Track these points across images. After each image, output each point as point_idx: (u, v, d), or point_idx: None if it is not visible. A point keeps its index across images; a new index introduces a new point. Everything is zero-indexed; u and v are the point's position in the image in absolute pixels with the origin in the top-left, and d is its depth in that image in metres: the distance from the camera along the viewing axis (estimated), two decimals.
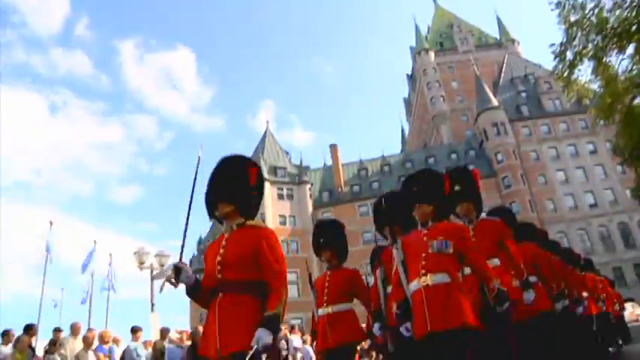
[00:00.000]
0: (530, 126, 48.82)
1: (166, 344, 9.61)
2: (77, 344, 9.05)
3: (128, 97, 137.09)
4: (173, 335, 10.06)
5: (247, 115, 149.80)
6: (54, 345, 8.69)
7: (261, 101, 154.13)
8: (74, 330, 9.37)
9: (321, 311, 4.38)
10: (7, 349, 8.14)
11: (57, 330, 9.21)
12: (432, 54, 65.68)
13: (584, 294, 7.23)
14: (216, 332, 2.53)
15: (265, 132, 53.53)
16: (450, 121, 62.08)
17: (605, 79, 11.54)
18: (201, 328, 10.43)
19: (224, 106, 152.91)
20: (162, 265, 14.42)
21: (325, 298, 4.38)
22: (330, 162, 53.20)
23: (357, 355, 4.44)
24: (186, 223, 2.68)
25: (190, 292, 2.68)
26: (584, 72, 11.95)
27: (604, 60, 11.24)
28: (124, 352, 9.45)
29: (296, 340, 12.39)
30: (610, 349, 9.00)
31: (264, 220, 44.32)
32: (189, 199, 2.66)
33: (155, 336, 10.46)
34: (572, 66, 11.66)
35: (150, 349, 9.66)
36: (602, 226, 44.29)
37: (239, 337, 2.44)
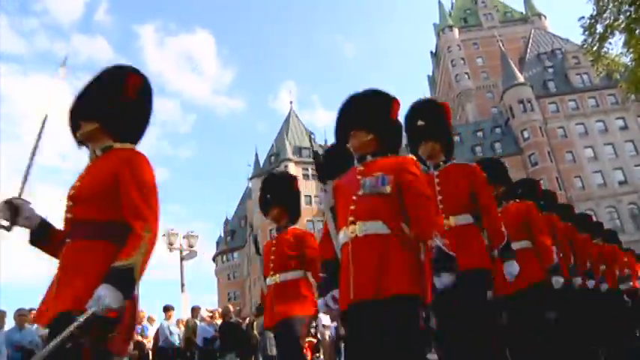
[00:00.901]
0: (558, 102, 47.87)
1: (198, 322, 9.88)
2: None
3: (149, 81, 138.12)
4: (204, 313, 10.32)
5: (269, 97, 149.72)
6: None
7: (282, 82, 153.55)
8: None
9: (268, 280, 3.79)
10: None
11: None
12: (456, 31, 64.48)
13: (602, 267, 6.31)
14: (54, 291, 1.86)
15: (289, 113, 53.62)
16: (475, 99, 61.15)
17: (637, 51, 11.23)
18: (231, 307, 10.70)
19: (245, 87, 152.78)
20: (191, 246, 14.73)
21: (271, 265, 3.76)
22: None
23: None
24: (34, 152, 2.06)
25: (37, 240, 2.02)
26: (615, 45, 11.70)
27: (637, 32, 10.93)
28: (157, 330, 9.76)
29: (325, 318, 12.55)
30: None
31: None
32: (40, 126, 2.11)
33: (186, 315, 10.75)
34: (603, 39, 11.40)
35: (182, 327, 9.94)
36: (633, 203, 43.47)
37: (75, 295, 1.76)
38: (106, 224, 1.92)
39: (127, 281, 1.76)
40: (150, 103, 2.24)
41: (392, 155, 2.56)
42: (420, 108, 3.34)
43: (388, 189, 2.34)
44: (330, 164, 3.34)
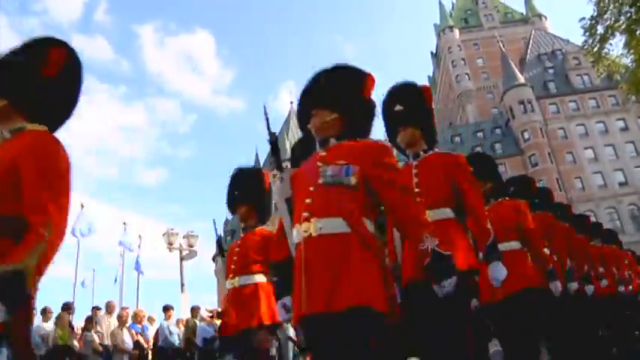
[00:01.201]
0: (558, 103, 47.84)
1: (198, 322, 9.88)
2: (112, 322, 9.37)
3: (149, 80, 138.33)
4: (204, 313, 10.32)
5: (269, 97, 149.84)
6: (90, 322, 9.00)
7: (282, 83, 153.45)
8: (109, 308, 9.70)
9: (227, 284, 3.49)
10: (48, 325, 8.49)
11: (95, 308, 9.53)
12: (456, 31, 64.48)
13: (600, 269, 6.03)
14: None
15: (289, 113, 53.60)
16: (475, 100, 61.14)
17: (638, 53, 11.23)
18: None
19: (245, 87, 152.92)
20: (190, 246, 14.73)
21: (233, 266, 3.46)
22: None
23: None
24: None
25: None
26: (616, 46, 11.72)
27: (637, 33, 10.93)
28: (157, 330, 9.76)
29: None
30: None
31: None
32: None
33: (186, 315, 10.75)
34: (603, 40, 11.40)
35: (182, 327, 9.95)
36: (633, 204, 43.45)
37: None
38: (6, 219, 1.62)
39: (12, 289, 1.43)
40: (76, 80, 1.91)
41: (361, 139, 2.16)
42: (397, 92, 2.97)
43: (353, 180, 1.96)
44: (299, 155, 2.95)
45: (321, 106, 2.16)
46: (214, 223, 3.89)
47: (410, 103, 2.90)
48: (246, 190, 3.61)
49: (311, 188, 2.02)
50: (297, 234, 2.03)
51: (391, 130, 2.99)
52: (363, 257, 1.89)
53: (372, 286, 1.85)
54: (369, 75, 2.25)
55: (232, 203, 3.68)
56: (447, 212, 2.74)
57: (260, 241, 3.43)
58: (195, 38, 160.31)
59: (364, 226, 1.95)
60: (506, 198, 4.14)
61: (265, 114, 2.37)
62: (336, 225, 1.93)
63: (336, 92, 2.17)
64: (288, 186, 2.23)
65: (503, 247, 3.53)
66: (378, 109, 2.40)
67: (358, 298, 1.79)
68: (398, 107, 2.88)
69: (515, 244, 3.76)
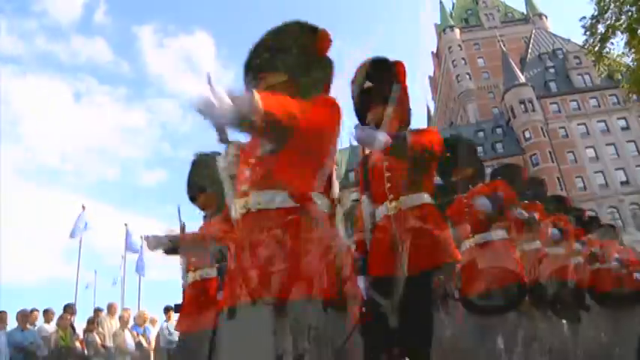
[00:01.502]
0: (559, 102, 47.78)
1: None
2: (114, 323, 9.37)
3: (149, 82, 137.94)
4: None
5: None
6: (92, 323, 9.00)
7: None
8: (111, 310, 9.68)
9: (189, 277, 3.29)
10: (50, 327, 8.50)
11: (97, 310, 9.51)
12: (457, 31, 64.45)
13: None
14: None
15: None
16: (476, 99, 61.07)
17: (639, 52, 11.23)
18: None
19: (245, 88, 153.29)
20: None
21: (193, 259, 3.27)
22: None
23: None
24: None
25: None
26: (617, 45, 11.70)
27: (638, 32, 10.92)
28: (159, 332, 9.76)
29: None
30: None
31: None
32: None
33: None
34: (604, 39, 11.40)
35: None
36: (635, 204, 43.36)
37: None
38: None
39: None
40: None
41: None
42: (366, 67, 2.66)
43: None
44: None
45: (269, 69, 1.91)
46: (179, 210, 3.53)
47: (380, 79, 2.62)
48: (206, 177, 3.21)
49: (252, 160, 1.82)
50: (235, 210, 1.80)
51: (360, 109, 2.74)
52: (309, 237, 1.64)
53: (320, 271, 1.60)
54: (323, 30, 1.97)
55: (191, 191, 3.43)
56: (424, 197, 2.53)
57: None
58: (195, 39, 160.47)
59: (311, 200, 1.71)
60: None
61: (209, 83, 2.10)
62: (273, 198, 1.69)
63: (284, 51, 1.91)
64: (232, 162, 1.95)
65: (483, 237, 3.36)
66: (345, 74, 2.17)
67: (304, 286, 1.55)
68: (367, 84, 2.63)
69: (497, 234, 3.38)
